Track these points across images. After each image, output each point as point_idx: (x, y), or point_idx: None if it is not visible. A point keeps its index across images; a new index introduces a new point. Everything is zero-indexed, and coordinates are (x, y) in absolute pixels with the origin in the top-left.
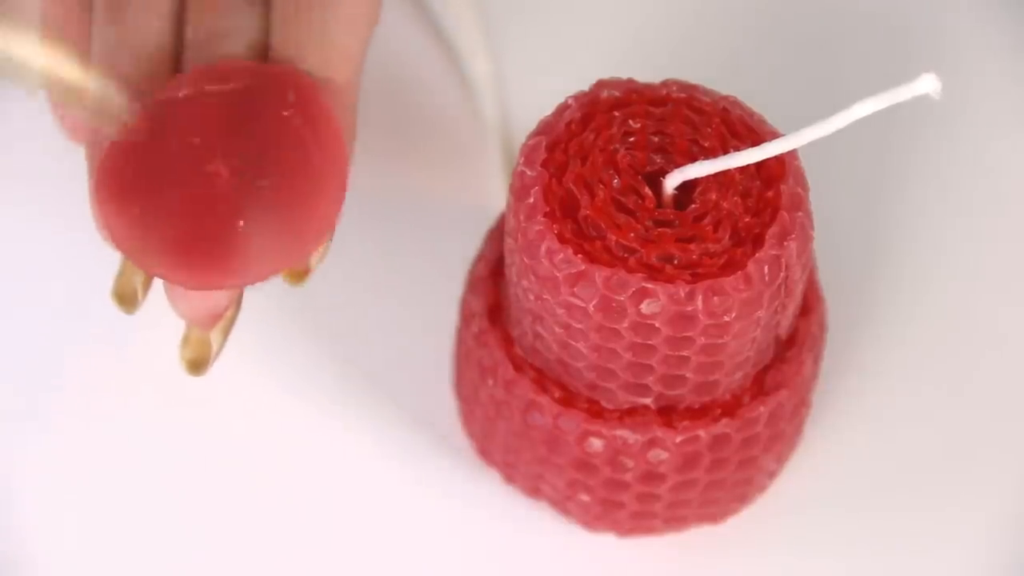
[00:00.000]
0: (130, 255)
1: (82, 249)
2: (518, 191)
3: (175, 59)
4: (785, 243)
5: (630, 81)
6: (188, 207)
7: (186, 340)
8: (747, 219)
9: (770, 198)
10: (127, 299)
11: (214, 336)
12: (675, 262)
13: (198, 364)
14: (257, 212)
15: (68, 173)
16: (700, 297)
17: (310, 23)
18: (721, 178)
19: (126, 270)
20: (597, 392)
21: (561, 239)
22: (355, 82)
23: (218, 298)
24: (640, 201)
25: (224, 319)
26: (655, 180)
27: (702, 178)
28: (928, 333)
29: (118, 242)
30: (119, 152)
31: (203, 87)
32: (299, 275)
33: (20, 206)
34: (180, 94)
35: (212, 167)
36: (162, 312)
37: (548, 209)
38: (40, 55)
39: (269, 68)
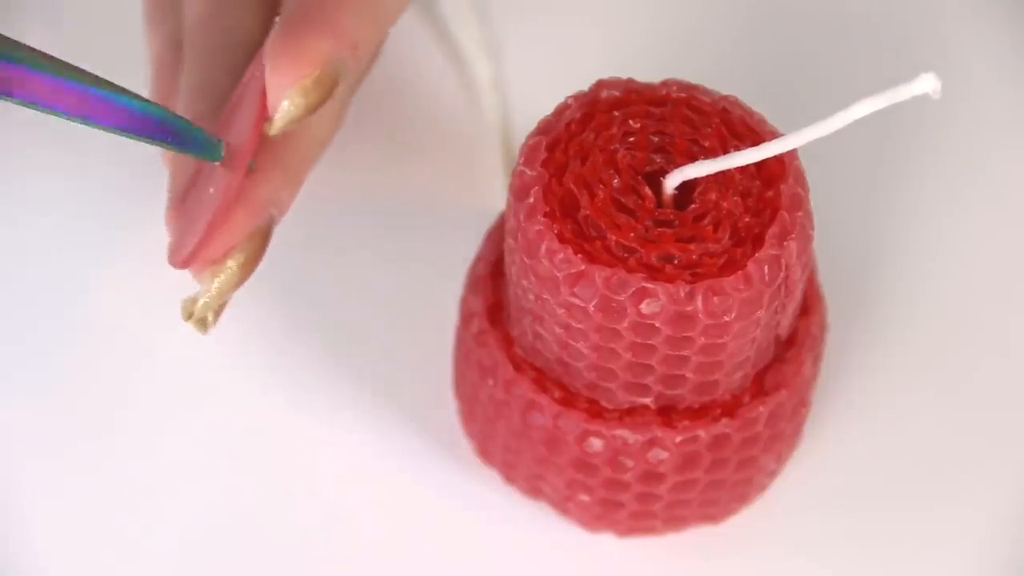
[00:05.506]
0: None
1: (80, 249)
2: (518, 191)
3: None
4: (785, 243)
5: (630, 81)
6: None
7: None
8: (747, 219)
9: (770, 198)
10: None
11: (203, 280)
12: (675, 262)
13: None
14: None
15: (66, 170)
16: (700, 297)
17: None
18: (721, 178)
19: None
20: (597, 392)
21: (561, 239)
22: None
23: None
24: (640, 201)
25: (222, 266)
26: (655, 180)
27: (702, 178)
28: (928, 333)
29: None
30: None
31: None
32: None
33: (17, 205)
34: None
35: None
36: (161, 312)
37: (548, 209)
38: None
39: None
